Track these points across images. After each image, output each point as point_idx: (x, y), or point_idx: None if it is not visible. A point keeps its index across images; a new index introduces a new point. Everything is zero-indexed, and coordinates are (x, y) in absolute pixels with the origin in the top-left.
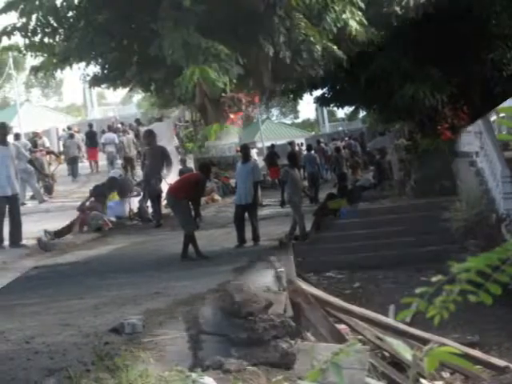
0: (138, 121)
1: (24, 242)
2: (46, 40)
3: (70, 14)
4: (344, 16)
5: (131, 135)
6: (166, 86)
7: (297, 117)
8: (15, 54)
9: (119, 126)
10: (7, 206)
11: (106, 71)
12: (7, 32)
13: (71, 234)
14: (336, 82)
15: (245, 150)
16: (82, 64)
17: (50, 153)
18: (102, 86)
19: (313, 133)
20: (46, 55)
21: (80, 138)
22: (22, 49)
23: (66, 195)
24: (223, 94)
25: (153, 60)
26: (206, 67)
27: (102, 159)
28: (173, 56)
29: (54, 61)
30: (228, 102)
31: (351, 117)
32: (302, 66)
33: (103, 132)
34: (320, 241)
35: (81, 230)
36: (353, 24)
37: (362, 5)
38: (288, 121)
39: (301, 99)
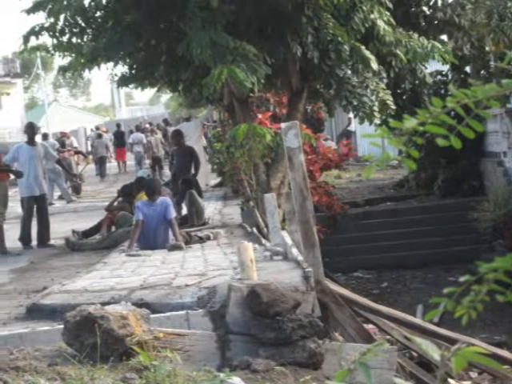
0: (165, 121)
1: (52, 241)
2: (73, 40)
3: (98, 14)
4: (372, 16)
5: (159, 135)
6: (193, 86)
7: (89, 99)
8: (43, 54)
9: (147, 126)
10: (35, 206)
11: (133, 71)
12: (35, 32)
13: (99, 234)
14: (137, 59)
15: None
16: (110, 64)
17: (77, 153)
18: (130, 86)
19: (107, 118)
20: (73, 55)
21: (108, 137)
22: (50, 49)
23: (94, 195)
24: (251, 94)
25: (180, 60)
26: (233, 67)
27: (130, 159)
28: (200, 56)
29: (82, 61)
30: (256, 102)
31: (153, 100)
32: (329, 65)
33: (131, 132)
34: (347, 241)
35: (109, 230)
36: (381, 24)
37: (390, 5)
38: (79, 104)
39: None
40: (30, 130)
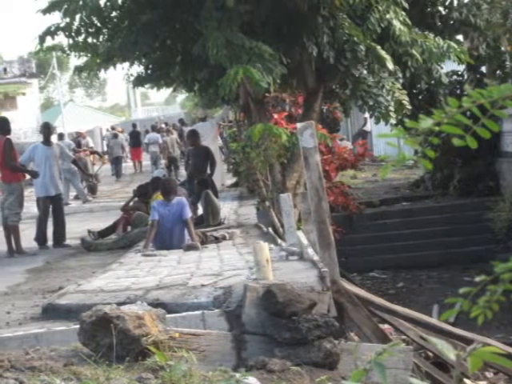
0: (181, 121)
1: (68, 241)
2: (89, 40)
3: (114, 14)
4: (388, 16)
5: (175, 135)
6: (209, 86)
7: (104, 100)
8: (59, 54)
9: (163, 125)
10: (51, 206)
11: (149, 71)
12: (51, 32)
13: (115, 234)
14: (152, 59)
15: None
16: (126, 64)
17: (93, 153)
18: (146, 86)
19: (123, 118)
20: (89, 55)
21: (124, 137)
22: (66, 49)
23: (110, 195)
24: (267, 94)
25: (196, 60)
26: (249, 67)
27: (146, 159)
28: (216, 56)
29: (98, 61)
30: (272, 102)
31: (169, 100)
32: (345, 65)
33: (147, 132)
34: (363, 241)
35: (124, 229)
36: (396, 24)
37: (406, 5)
38: (95, 104)
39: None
40: (46, 130)
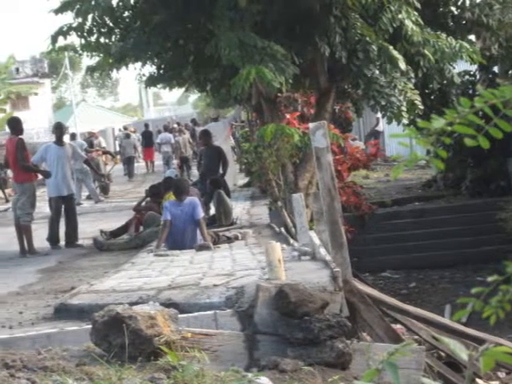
0: (194, 121)
1: (80, 241)
2: (101, 40)
3: (126, 14)
4: (400, 16)
5: (187, 135)
6: (222, 85)
7: (117, 99)
8: (71, 54)
9: (175, 126)
10: (63, 206)
11: (161, 71)
12: (63, 32)
13: (127, 233)
14: (165, 59)
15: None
16: (138, 64)
17: (106, 153)
18: (158, 86)
19: (136, 118)
20: (101, 55)
21: (136, 137)
22: (78, 49)
23: (122, 195)
24: (279, 94)
25: (208, 60)
26: (262, 67)
27: (158, 159)
28: (228, 56)
29: (110, 61)
30: (284, 102)
31: (181, 100)
32: (357, 65)
33: (159, 132)
34: (375, 241)
35: (137, 230)
36: (409, 24)
37: (418, 5)
38: (107, 104)
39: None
40: (58, 130)
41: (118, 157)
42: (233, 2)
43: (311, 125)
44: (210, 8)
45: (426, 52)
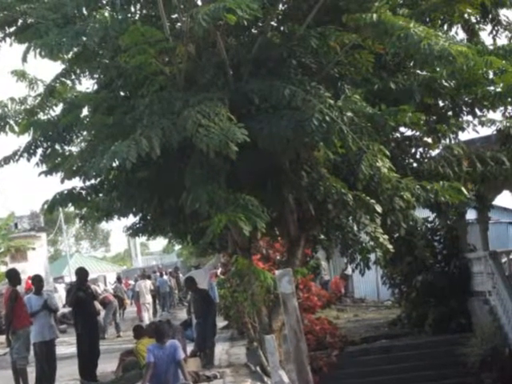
0: (176, 268)
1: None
2: (89, 198)
3: (112, 175)
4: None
5: (149, 282)
6: (200, 236)
7: (108, 250)
8: (66, 210)
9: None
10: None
11: (144, 222)
12: (59, 202)
13: (114, 373)
14: (146, 211)
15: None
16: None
17: (116, 296)
18: (142, 236)
19: (125, 267)
20: (90, 209)
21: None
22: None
23: (112, 338)
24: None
25: (187, 213)
26: (233, 214)
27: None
28: (200, 209)
29: (96, 214)
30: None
31: (167, 249)
32: (327, 216)
33: (136, 280)
34: (347, 376)
35: (117, 372)
36: (384, 170)
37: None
38: (99, 254)
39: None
40: (38, 282)
41: (128, 301)
42: (202, 160)
43: (277, 272)
44: (183, 166)
45: (407, 195)
